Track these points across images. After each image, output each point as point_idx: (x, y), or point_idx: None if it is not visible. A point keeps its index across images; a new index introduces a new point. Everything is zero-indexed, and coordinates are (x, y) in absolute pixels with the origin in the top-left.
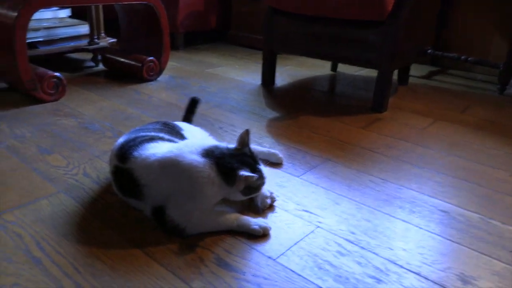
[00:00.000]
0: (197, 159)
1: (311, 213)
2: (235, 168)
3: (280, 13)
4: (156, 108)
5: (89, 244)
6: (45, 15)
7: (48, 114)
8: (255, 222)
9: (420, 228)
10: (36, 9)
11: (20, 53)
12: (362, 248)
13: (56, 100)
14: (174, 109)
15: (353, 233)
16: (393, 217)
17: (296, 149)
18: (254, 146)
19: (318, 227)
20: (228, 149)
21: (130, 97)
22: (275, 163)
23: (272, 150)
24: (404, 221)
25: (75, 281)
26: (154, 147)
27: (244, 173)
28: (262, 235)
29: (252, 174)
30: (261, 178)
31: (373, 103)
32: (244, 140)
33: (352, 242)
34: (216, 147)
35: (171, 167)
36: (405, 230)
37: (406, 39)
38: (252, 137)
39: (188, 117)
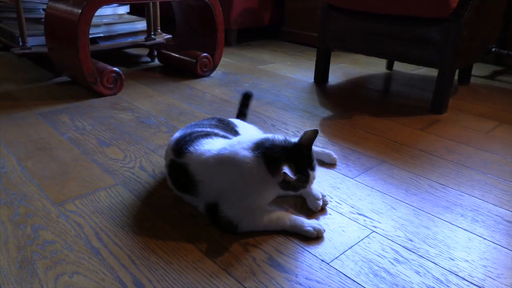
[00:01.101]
0: (248, 155)
1: (366, 217)
2: (280, 160)
3: (337, 9)
4: (209, 104)
5: (145, 237)
6: (105, 11)
7: (107, 107)
8: (309, 223)
9: (484, 238)
10: (99, 6)
11: (83, 48)
12: (421, 256)
13: (114, 94)
14: (227, 105)
15: (411, 240)
16: (454, 225)
17: (351, 150)
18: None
19: (374, 232)
20: (284, 141)
21: (184, 93)
22: (329, 164)
23: (326, 150)
24: (466, 230)
25: (131, 272)
26: (209, 143)
27: (286, 169)
28: (315, 237)
29: (291, 175)
30: (302, 182)
31: (432, 104)
32: (307, 138)
33: (410, 250)
34: (268, 139)
35: (225, 164)
36: (467, 240)
37: (470, 37)
38: None
39: (242, 112)
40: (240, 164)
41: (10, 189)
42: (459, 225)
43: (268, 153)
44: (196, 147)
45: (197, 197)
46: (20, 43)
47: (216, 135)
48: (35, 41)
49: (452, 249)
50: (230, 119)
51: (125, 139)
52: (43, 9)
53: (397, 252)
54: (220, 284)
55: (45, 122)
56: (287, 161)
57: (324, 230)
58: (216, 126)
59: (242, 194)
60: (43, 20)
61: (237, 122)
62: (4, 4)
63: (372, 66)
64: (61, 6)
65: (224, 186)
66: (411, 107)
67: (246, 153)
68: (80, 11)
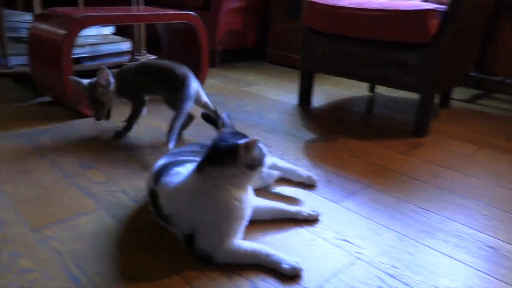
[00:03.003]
0: (196, 174)
1: (350, 243)
2: (231, 144)
3: (318, 33)
4: (193, 125)
5: (127, 265)
6: (90, 32)
7: (89, 128)
8: (286, 261)
9: (467, 264)
10: (84, 27)
11: (66, 69)
12: (405, 284)
13: None
14: (211, 127)
15: (395, 266)
16: (437, 251)
17: (334, 173)
18: (285, 163)
19: (358, 258)
20: (220, 138)
21: (168, 114)
22: (309, 185)
23: (306, 172)
24: (449, 256)
25: None
26: (177, 173)
27: (243, 140)
28: (292, 276)
29: (252, 138)
30: (259, 151)
31: (414, 127)
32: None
33: (394, 277)
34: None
35: (184, 193)
36: (450, 266)
37: (449, 62)
38: (288, 159)
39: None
40: (200, 189)
41: None
42: (442, 251)
43: (211, 154)
44: (166, 178)
45: (174, 228)
46: (1, 63)
47: (192, 162)
48: (17, 61)
49: (435, 275)
50: None
51: (107, 162)
52: (26, 29)
53: (381, 279)
54: None
55: (26, 144)
56: (235, 139)
57: (302, 269)
58: (198, 153)
59: (213, 221)
60: (25, 39)
61: None
62: None
63: (354, 89)
64: (45, 26)
65: (193, 217)
66: (394, 130)
67: (195, 174)
68: (64, 31)
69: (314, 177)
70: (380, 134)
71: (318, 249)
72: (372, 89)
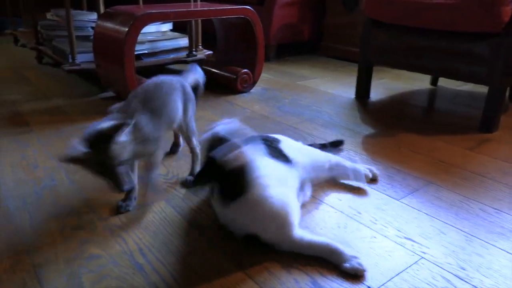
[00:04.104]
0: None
1: (414, 241)
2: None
3: (379, 24)
4: (249, 119)
5: (187, 255)
6: (149, 29)
7: None
8: (350, 260)
9: None
10: (145, 24)
11: (128, 65)
12: (475, 287)
13: None
14: (266, 121)
15: (463, 268)
16: (511, 254)
17: (395, 169)
18: (350, 163)
19: (423, 258)
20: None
21: (224, 108)
22: (370, 181)
23: (357, 167)
24: None
25: None
26: None
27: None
28: (353, 275)
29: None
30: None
31: (482, 122)
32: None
33: (462, 279)
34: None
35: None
36: None
37: None
38: (346, 154)
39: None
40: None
41: (60, 202)
42: None
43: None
44: None
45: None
46: (70, 60)
47: None
48: (84, 58)
49: (509, 280)
50: (274, 136)
51: (168, 155)
52: (92, 27)
53: (448, 281)
54: None
55: None
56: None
57: (365, 270)
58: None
59: (271, 223)
60: (91, 37)
61: (281, 138)
62: (56, 23)
63: (415, 82)
64: (109, 25)
65: (248, 227)
66: (458, 125)
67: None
68: (126, 29)
69: (362, 172)
70: (444, 129)
71: (379, 247)
72: (434, 82)
